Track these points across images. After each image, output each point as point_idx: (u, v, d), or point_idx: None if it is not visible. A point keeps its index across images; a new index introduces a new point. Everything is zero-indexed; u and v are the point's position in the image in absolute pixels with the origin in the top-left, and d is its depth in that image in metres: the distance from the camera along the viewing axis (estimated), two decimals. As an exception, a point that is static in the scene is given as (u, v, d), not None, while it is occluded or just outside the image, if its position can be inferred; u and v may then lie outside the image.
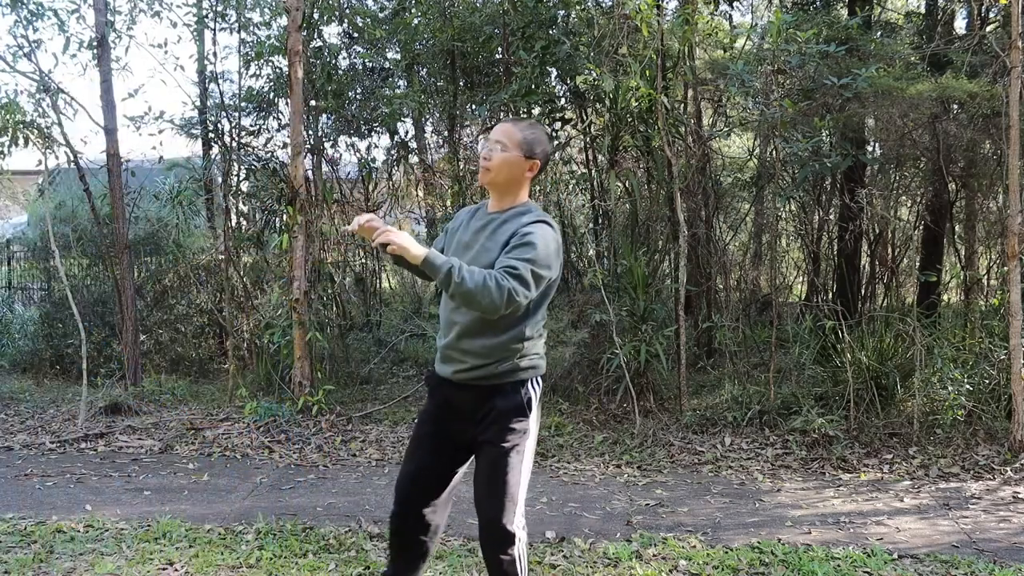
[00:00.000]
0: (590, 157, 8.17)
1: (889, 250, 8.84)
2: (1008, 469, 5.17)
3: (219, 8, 8.28)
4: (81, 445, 6.05)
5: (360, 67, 8.80)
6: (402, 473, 2.79)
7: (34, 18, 7.77)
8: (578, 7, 7.32)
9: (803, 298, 9.28)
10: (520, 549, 2.60)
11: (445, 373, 2.70)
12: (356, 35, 8.74)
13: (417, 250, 2.39)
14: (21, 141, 6.76)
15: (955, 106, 7.02)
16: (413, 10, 8.55)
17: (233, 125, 8.36)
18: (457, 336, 2.64)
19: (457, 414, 2.70)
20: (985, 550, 3.91)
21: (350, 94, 8.44)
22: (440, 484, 2.75)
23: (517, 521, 2.59)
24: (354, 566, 3.66)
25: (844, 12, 8.34)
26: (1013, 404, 5.36)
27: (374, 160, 9.15)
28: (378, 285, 10.21)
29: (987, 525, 4.28)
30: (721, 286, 8.62)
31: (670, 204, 6.91)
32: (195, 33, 8.81)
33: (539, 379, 2.72)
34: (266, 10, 8.39)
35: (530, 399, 2.65)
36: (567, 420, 6.49)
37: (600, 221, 8.12)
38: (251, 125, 8.62)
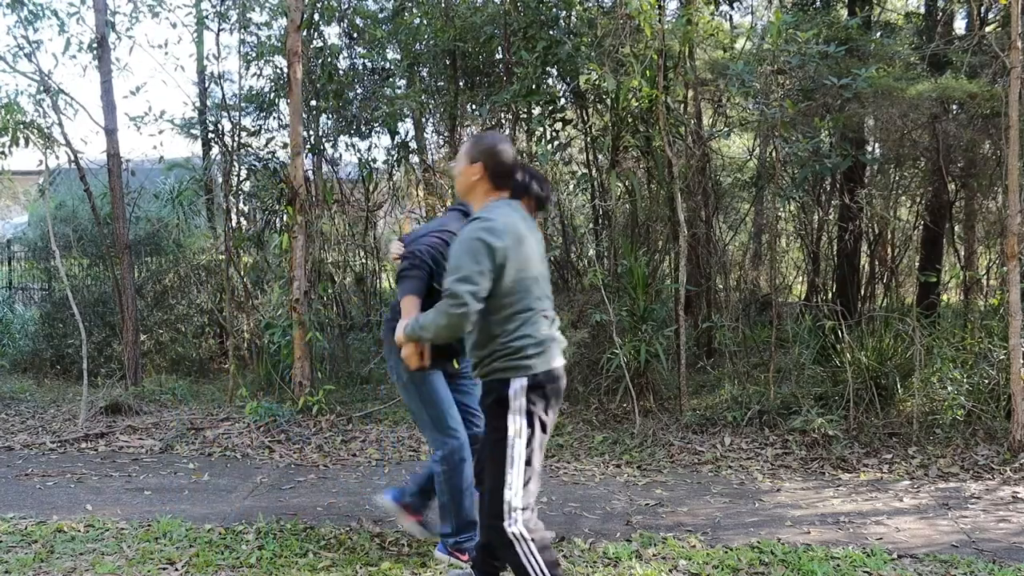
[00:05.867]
0: (591, 157, 8.18)
1: (889, 250, 8.84)
2: (1007, 469, 5.17)
3: (220, 8, 8.28)
4: (81, 445, 6.05)
5: (361, 67, 8.80)
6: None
7: (34, 19, 7.77)
8: (579, 7, 7.32)
9: (803, 298, 9.28)
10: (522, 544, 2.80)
11: None
12: (356, 35, 8.74)
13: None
14: (22, 141, 6.77)
15: (955, 106, 7.03)
16: (414, 10, 8.55)
17: (233, 125, 8.36)
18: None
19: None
20: (984, 550, 3.91)
21: (350, 94, 8.44)
22: None
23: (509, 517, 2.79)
24: (354, 566, 3.66)
25: (844, 12, 8.34)
26: (1012, 404, 5.37)
27: (374, 160, 9.15)
28: (378, 285, 10.20)
29: (986, 525, 4.28)
30: (721, 286, 8.62)
31: (670, 204, 6.91)
32: (195, 34, 8.81)
33: (526, 378, 2.74)
34: (267, 10, 8.39)
35: (504, 397, 2.73)
36: (567, 420, 6.50)
37: (600, 221, 8.12)
38: (251, 125, 8.62)
